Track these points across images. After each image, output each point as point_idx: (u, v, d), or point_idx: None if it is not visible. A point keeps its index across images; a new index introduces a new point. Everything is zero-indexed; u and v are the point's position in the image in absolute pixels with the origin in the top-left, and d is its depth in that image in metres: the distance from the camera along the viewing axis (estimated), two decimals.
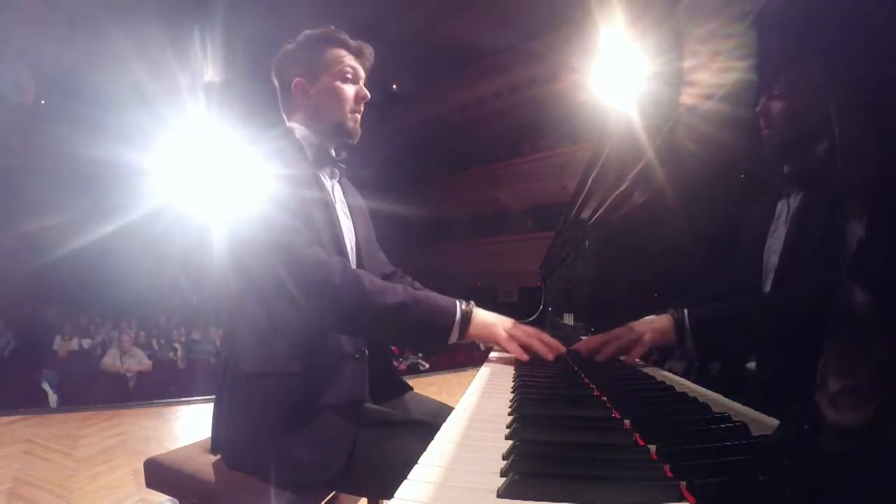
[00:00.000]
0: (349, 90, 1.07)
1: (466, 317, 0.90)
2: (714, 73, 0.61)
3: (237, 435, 0.91)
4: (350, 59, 1.08)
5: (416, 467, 0.43)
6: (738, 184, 0.67)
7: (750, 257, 0.60)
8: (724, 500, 0.35)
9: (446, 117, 15.97)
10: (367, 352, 0.98)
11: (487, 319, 0.94)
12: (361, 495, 0.96)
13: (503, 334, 0.94)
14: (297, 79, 1.07)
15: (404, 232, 17.06)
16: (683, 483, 0.37)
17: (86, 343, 7.61)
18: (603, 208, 1.20)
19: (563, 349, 0.97)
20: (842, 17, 0.30)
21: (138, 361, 6.46)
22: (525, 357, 0.95)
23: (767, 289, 0.56)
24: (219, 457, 0.94)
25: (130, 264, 9.70)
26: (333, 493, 0.98)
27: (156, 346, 7.96)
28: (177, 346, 8.18)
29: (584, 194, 1.35)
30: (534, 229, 13.14)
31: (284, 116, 1.12)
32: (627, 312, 0.95)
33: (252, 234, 0.89)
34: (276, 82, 1.11)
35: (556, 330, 1.92)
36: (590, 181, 1.27)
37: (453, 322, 0.89)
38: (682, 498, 0.36)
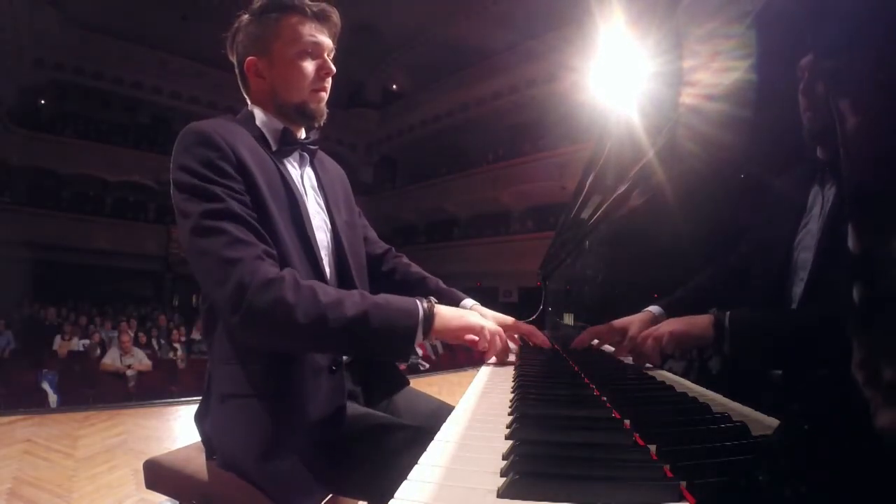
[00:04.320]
0: (308, 66, 0.94)
1: (429, 314, 0.84)
2: (714, 73, 0.61)
3: (224, 449, 0.89)
4: (309, 29, 0.93)
5: (416, 467, 0.43)
6: (738, 183, 0.66)
7: (773, 253, 0.57)
8: (724, 500, 0.35)
9: (446, 117, 15.97)
10: (344, 362, 0.93)
11: (452, 316, 0.88)
12: (362, 499, 0.94)
13: (472, 338, 0.90)
14: (249, 57, 0.95)
15: (404, 232, 17.06)
16: (683, 483, 0.37)
17: (85, 343, 7.61)
18: (603, 208, 1.20)
19: (509, 352, 0.97)
20: (840, 15, 0.30)
21: (138, 361, 6.46)
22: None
23: (797, 288, 0.53)
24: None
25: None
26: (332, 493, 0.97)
27: (156, 346, 7.96)
28: (177, 346, 8.19)
29: (584, 194, 1.35)
30: (534, 229, 13.14)
31: (247, 99, 1.01)
32: (628, 312, 0.95)
33: (200, 249, 0.79)
34: (233, 60, 1.00)
35: (556, 330, 1.92)
36: (590, 181, 1.27)
37: (417, 322, 0.82)
38: (682, 498, 0.36)
